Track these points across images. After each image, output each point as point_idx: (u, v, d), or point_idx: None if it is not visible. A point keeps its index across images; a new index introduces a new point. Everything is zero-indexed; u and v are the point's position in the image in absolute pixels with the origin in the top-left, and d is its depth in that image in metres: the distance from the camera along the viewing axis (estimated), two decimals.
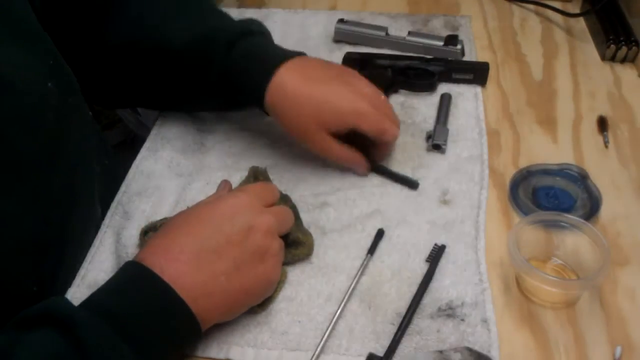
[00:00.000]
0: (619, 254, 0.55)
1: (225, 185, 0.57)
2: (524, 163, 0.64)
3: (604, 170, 0.63)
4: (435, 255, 0.54)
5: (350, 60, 0.78)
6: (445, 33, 0.82)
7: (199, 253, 0.46)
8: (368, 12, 0.90)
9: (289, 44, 0.84)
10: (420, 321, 0.50)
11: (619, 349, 0.47)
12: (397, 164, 0.65)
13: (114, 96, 0.72)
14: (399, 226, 0.58)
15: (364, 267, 0.54)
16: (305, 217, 0.58)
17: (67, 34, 0.62)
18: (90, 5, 0.63)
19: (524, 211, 0.58)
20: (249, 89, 0.60)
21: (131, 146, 1.56)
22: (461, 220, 0.58)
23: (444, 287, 0.52)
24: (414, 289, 0.52)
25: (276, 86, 0.58)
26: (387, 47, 0.82)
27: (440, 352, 0.46)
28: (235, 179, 0.62)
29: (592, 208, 0.58)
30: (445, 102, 0.71)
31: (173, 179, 0.64)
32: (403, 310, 0.50)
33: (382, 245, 0.56)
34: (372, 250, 0.55)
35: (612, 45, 0.78)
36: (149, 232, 0.55)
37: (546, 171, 0.62)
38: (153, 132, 0.71)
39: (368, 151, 0.63)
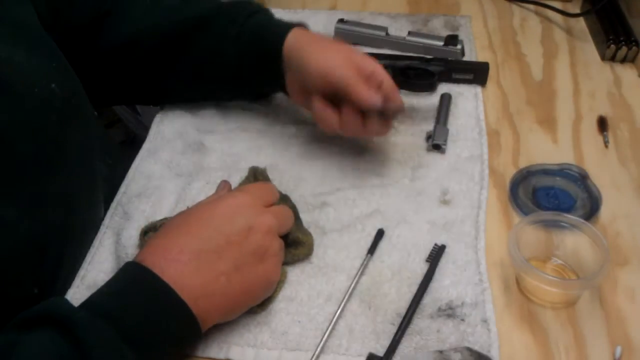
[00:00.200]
0: (619, 254, 0.55)
1: (224, 185, 0.57)
2: (524, 163, 0.64)
3: (604, 170, 0.63)
4: (435, 255, 0.54)
5: None
6: (445, 33, 0.82)
7: (199, 253, 0.46)
8: (368, 12, 0.90)
9: None
10: (420, 321, 0.50)
11: (619, 349, 0.47)
12: (397, 164, 0.65)
13: (124, 91, 0.73)
14: (399, 226, 0.58)
15: (364, 267, 0.54)
16: (305, 217, 0.58)
17: (74, 29, 0.63)
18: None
19: (524, 211, 0.58)
20: (267, 44, 0.62)
21: (131, 146, 1.56)
22: (461, 220, 0.58)
23: (444, 287, 0.52)
24: (414, 289, 0.52)
25: (294, 36, 0.61)
26: (387, 47, 0.82)
27: (440, 352, 0.46)
28: (235, 179, 0.62)
29: (592, 208, 0.58)
30: (445, 102, 0.71)
31: (173, 179, 0.64)
32: (403, 310, 0.50)
33: (382, 245, 0.56)
34: (372, 250, 0.55)
35: (612, 45, 0.78)
36: (149, 232, 0.55)
37: (546, 171, 0.62)
38: (152, 132, 0.71)
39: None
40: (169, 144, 0.69)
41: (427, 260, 0.54)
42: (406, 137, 0.68)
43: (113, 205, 0.62)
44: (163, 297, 0.43)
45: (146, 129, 0.72)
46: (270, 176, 0.62)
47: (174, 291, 0.43)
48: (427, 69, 0.75)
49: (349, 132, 0.60)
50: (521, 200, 0.60)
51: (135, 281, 0.45)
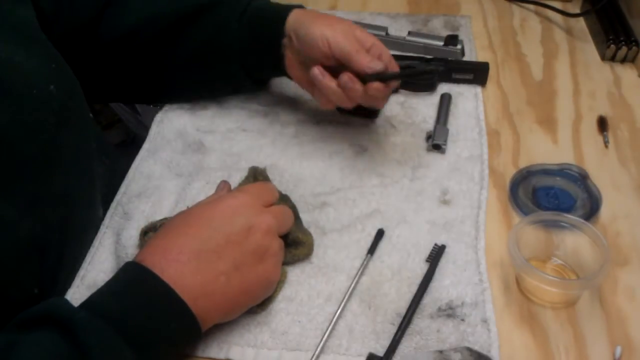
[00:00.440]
0: (619, 254, 0.55)
1: (224, 185, 0.57)
2: (524, 163, 0.64)
3: (604, 170, 0.63)
4: (435, 255, 0.54)
5: None
6: (445, 33, 0.82)
7: (199, 253, 0.46)
8: (368, 12, 0.90)
9: None
10: (420, 321, 0.50)
11: (619, 349, 0.47)
12: (397, 164, 0.65)
13: (124, 86, 0.73)
14: (399, 226, 0.58)
15: (364, 267, 0.54)
16: (305, 217, 0.58)
17: (76, 21, 0.64)
18: None
19: (524, 211, 0.58)
20: (269, 23, 0.64)
21: (131, 146, 1.56)
22: (461, 220, 0.58)
23: (444, 287, 0.52)
24: (414, 289, 0.52)
25: (296, 13, 0.63)
26: (387, 47, 0.81)
27: (440, 352, 0.46)
28: (235, 179, 0.62)
29: (592, 208, 0.58)
30: (445, 102, 0.71)
31: (173, 179, 0.64)
32: (403, 310, 0.50)
33: (382, 245, 0.56)
34: (372, 250, 0.55)
35: (612, 45, 0.78)
36: (149, 232, 0.55)
37: (546, 171, 0.62)
38: (152, 132, 0.71)
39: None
40: (169, 144, 0.69)
41: (427, 260, 0.54)
42: (406, 137, 0.68)
43: (113, 205, 0.62)
44: (163, 297, 0.43)
45: (146, 129, 0.72)
46: (270, 176, 0.62)
47: (173, 291, 0.43)
48: (427, 69, 0.75)
49: (348, 99, 0.60)
50: (521, 200, 0.60)
51: (135, 281, 0.45)
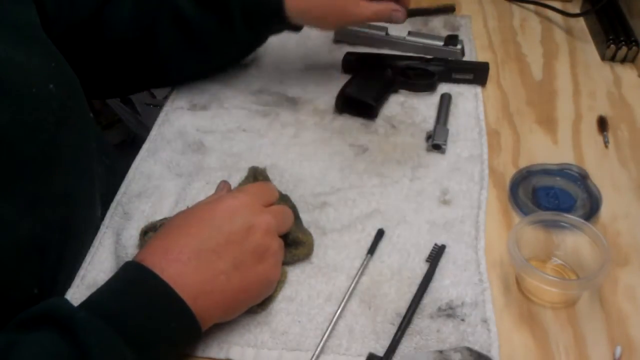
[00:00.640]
0: (619, 254, 0.55)
1: (224, 185, 0.57)
2: (524, 163, 0.64)
3: (604, 170, 0.63)
4: (435, 255, 0.54)
5: (350, 61, 0.78)
6: (445, 33, 0.82)
7: (199, 253, 0.46)
8: None
9: (289, 44, 0.85)
10: (420, 321, 0.50)
11: (619, 349, 0.47)
12: (397, 164, 0.65)
13: (133, 75, 0.74)
14: (399, 226, 0.58)
15: (364, 267, 0.54)
16: (305, 217, 0.58)
17: (78, 18, 0.64)
18: None
19: (524, 211, 0.58)
20: None
21: (131, 146, 1.57)
22: (461, 220, 0.58)
23: (444, 287, 0.52)
24: (414, 289, 0.52)
25: None
26: (387, 47, 0.82)
27: (440, 352, 0.46)
28: (235, 179, 0.62)
29: (592, 208, 0.58)
30: (445, 102, 0.71)
31: (173, 179, 0.64)
32: (403, 310, 0.50)
33: (382, 245, 0.56)
34: (372, 250, 0.55)
35: (612, 45, 0.78)
36: (149, 232, 0.55)
37: (546, 171, 0.62)
38: (153, 132, 0.71)
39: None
40: (169, 144, 0.69)
41: (427, 260, 0.54)
42: (406, 137, 0.68)
43: (113, 205, 0.62)
44: (163, 297, 0.43)
45: (146, 129, 0.72)
46: (270, 176, 0.62)
47: (173, 290, 0.43)
48: (427, 69, 0.75)
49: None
50: (521, 200, 0.59)
51: (135, 281, 0.45)
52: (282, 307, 0.52)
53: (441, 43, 0.79)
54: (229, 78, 0.78)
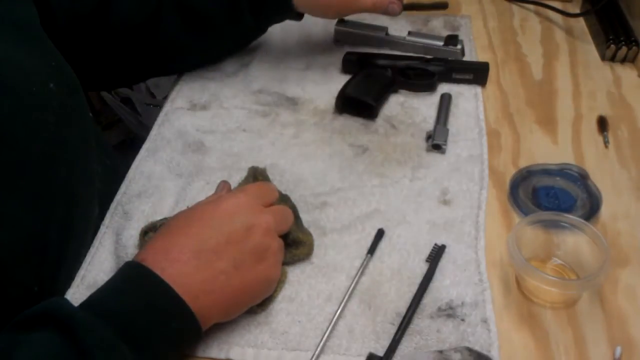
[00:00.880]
0: (619, 254, 0.55)
1: (224, 185, 0.57)
2: (524, 163, 0.64)
3: (604, 170, 0.63)
4: (435, 255, 0.54)
5: (350, 61, 0.78)
6: (445, 33, 0.82)
7: (199, 253, 0.46)
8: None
9: (290, 44, 0.85)
10: (420, 321, 0.50)
11: (619, 349, 0.47)
12: (397, 164, 0.65)
13: (141, 63, 0.75)
14: (399, 226, 0.58)
15: (364, 267, 0.54)
16: (305, 217, 0.58)
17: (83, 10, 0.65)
18: None
19: (524, 211, 0.58)
20: None
21: (131, 146, 1.57)
22: (461, 220, 0.58)
23: (444, 287, 0.52)
24: (414, 289, 0.52)
25: None
26: (387, 47, 0.82)
27: (440, 352, 0.46)
28: (235, 179, 0.62)
29: (592, 208, 0.58)
30: (445, 102, 0.71)
31: (173, 179, 0.64)
32: (403, 310, 0.50)
33: (382, 245, 0.56)
34: (372, 250, 0.55)
35: (612, 45, 0.78)
36: (149, 232, 0.55)
37: (546, 171, 0.62)
38: (153, 132, 0.71)
39: None
40: (169, 144, 0.69)
41: (427, 260, 0.54)
42: (406, 137, 0.68)
43: (113, 205, 0.62)
44: (163, 296, 0.43)
45: (146, 129, 0.72)
46: (270, 176, 0.62)
47: (173, 290, 0.43)
48: (427, 69, 0.75)
49: None
50: (521, 200, 0.59)
51: (135, 281, 0.45)
52: (282, 307, 0.52)
53: (441, 43, 0.79)
54: (229, 78, 0.78)
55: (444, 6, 0.90)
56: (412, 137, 0.68)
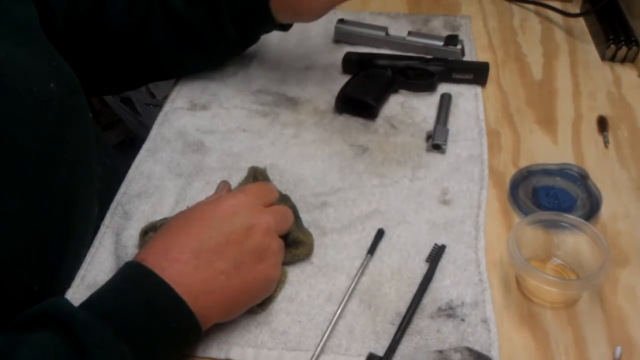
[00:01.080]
0: (619, 254, 0.55)
1: (224, 185, 0.57)
2: (524, 163, 0.64)
3: (604, 170, 0.63)
4: (435, 255, 0.54)
5: (350, 60, 0.78)
6: (445, 33, 0.82)
7: (199, 253, 0.46)
8: (368, 12, 0.90)
9: (290, 44, 0.85)
10: (420, 321, 0.50)
11: (619, 349, 0.47)
12: (397, 164, 0.65)
13: (138, 67, 0.75)
14: (399, 226, 0.58)
15: (364, 267, 0.54)
16: (305, 217, 0.58)
17: (80, 11, 0.65)
18: None
19: (524, 211, 0.58)
20: None
21: (131, 146, 1.57)
22: (461, 220, 0.58)
23: (444, 287, 0.52)
24: (414, 289, 0.52)
25: None
26: (387, 47, 0.82)
27: (440, 352, 0.46)
28: (235, 179, 0.62)
29: (592, 208, 0.58)
30: (445, 102, 0.71)
31: (173, 180, 0.64)
32: (403, 310, 0.50)
33: (382, 245, 0.56)
34: (372, 250, 0.55)
35: (612, 45, 0.78)
36: (149, 232, 0.55)
37: (546, 171, 0.62)
38: (153, 133, 0.71)
39: None
40: (169, 144, 0.69)
41: (427, 260, 0.54)
42: (406, 137, 0.68)
43: (113, 205, 0.62)
44: (163, 296, 0.43)
45: (146, 129, 0.72)
46: (270, 176, 0.62)
47: (173, 290, 0.43)
48: (427, 69, 0.75)
49: None
50: (521, 200, 0.60)
51: (135, 281, 0.45)
52: (282, 307, 0.52)
53: (441, 43, 0.79)
54: (229, 78, 0.78)
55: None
56: (412, 137, 0.68)
